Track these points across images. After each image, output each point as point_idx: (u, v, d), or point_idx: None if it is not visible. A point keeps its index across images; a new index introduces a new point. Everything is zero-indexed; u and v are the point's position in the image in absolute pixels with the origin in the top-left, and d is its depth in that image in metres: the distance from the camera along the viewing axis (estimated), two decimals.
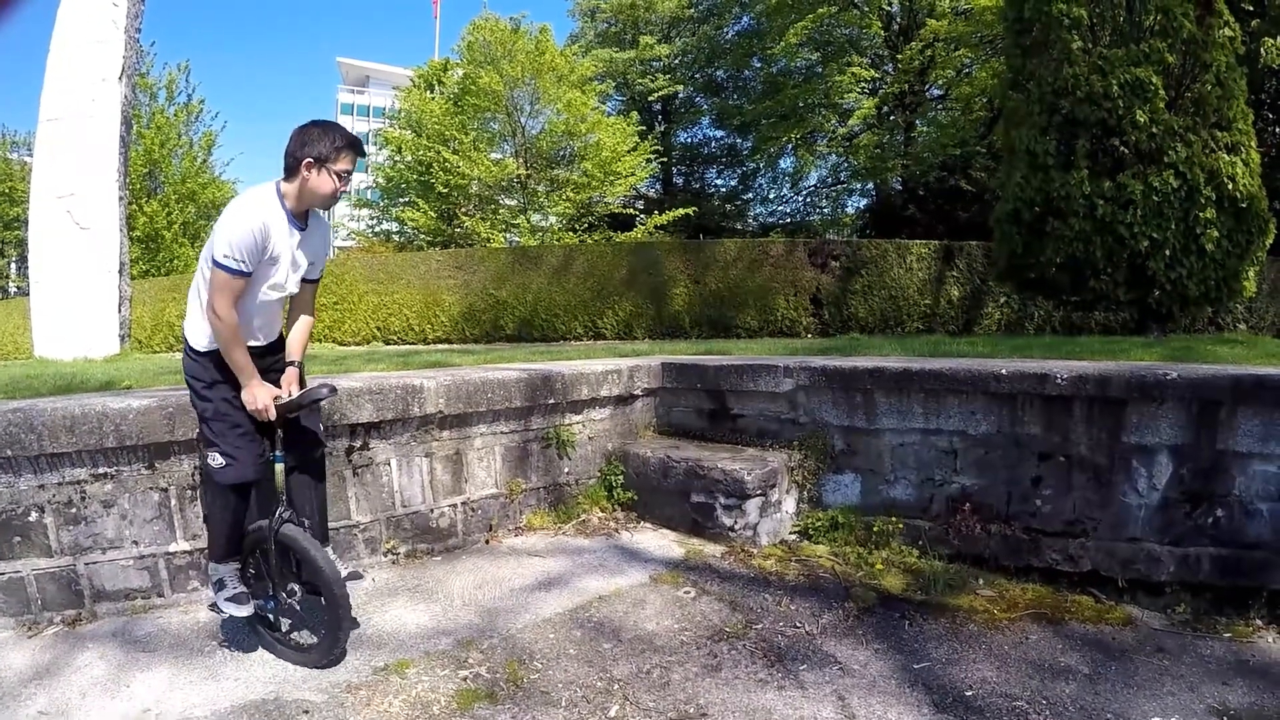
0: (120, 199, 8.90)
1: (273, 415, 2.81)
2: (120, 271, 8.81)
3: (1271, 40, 14.47)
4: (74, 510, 3.28)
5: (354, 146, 2.84)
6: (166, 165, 24.48)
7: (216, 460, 2.81)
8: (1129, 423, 3.90)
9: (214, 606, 3.02)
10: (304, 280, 3.02)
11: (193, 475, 3.47)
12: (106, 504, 3.33)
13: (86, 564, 3.31)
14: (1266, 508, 3.69)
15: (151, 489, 3.41)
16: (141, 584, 3.41)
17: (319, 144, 2.76)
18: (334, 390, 2.99)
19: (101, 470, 3.31)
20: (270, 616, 3.09)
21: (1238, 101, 8.35)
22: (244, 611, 2.92)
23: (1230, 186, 7.97)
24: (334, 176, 2.79)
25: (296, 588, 2.95)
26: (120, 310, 8.77)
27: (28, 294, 9.97)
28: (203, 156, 26.27)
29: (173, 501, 3.46)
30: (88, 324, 8.46)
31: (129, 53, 9.03)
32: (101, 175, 8.68)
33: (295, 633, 3.13)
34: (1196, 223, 7.96)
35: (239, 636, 3.13)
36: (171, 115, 25.04)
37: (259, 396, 2.78)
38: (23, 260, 27.00)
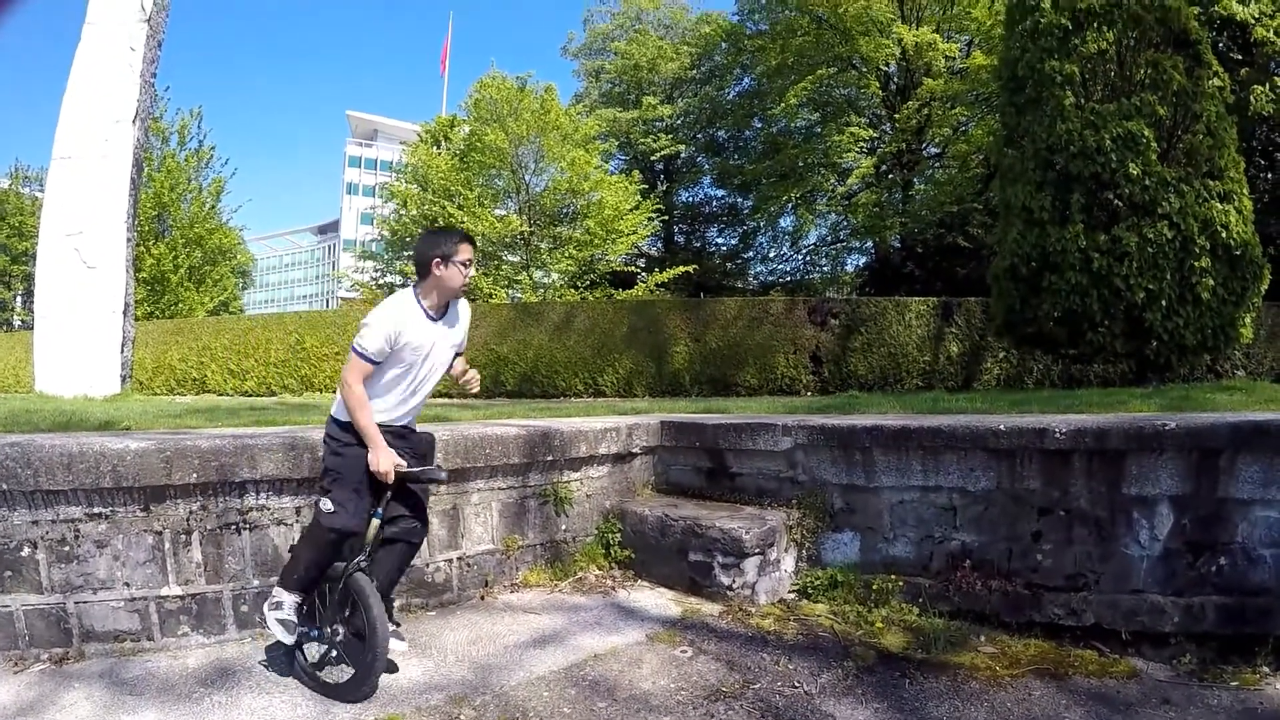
0: (128, 240, 9.00)
1: (391, 479, 3.17)
2: (125, 312, 8.85)
3: (1260, 88, 14.80)
4: (67, 548, 3.26)
5: (468, 240, 3.38)
6: (175, 209, 24.83)
7: (327, 505, 3.16)
8: (1129, 474, 3.89)
9: (263, 620, 3.32)
10: (455, 353, 3.52)
11: (187, 521, 3.47)
12: (100, 544, 3.31)
13: (77, 603, 3.28)
14: (1270, 554, 3.68)
15: (146, 531, 3.39)
16: (131, 626, 3.37)
17: (442, 245, 3.28)
18: (448, 478, 3.42)
19: (96, 510, 3.30)
20: (305, 645, 3.29)
21: (1229, 150, 8.50)
22: (288, 639, 3.20)
23: (1224, 235, 8.07)
24: (458, 267, 3.28)
25: (341, 629, 3.21)
26: (123, 350, 8.79)
27: (32, 328, 10.01)
28: (211, 202, 26.67)
29: (166, 545, 3.43)
30: (90, 362, 8.47)
31: (143, 96, 9.22)
32: (111, 216, 8.79)
33: (326, 668, 3.24)
34: (1192, 272, 8.04)
35: (228, 685, 3.08)
36: (182, 160, 25.50)
37: (383, 461, 3.15)
38: (29, 294, 27.20)
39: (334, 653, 3.21)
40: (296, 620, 3.22)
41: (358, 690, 3.07)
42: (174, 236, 24.73)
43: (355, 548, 3.24)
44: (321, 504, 3.18)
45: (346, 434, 3.24)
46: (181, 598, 3.46)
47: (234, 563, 3.59)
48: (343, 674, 3.16)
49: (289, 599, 3.23)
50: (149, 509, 3.39)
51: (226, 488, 3.55)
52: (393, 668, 3.31)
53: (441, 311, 3.36)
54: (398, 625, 3.40)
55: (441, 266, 3.25)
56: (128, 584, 3.36)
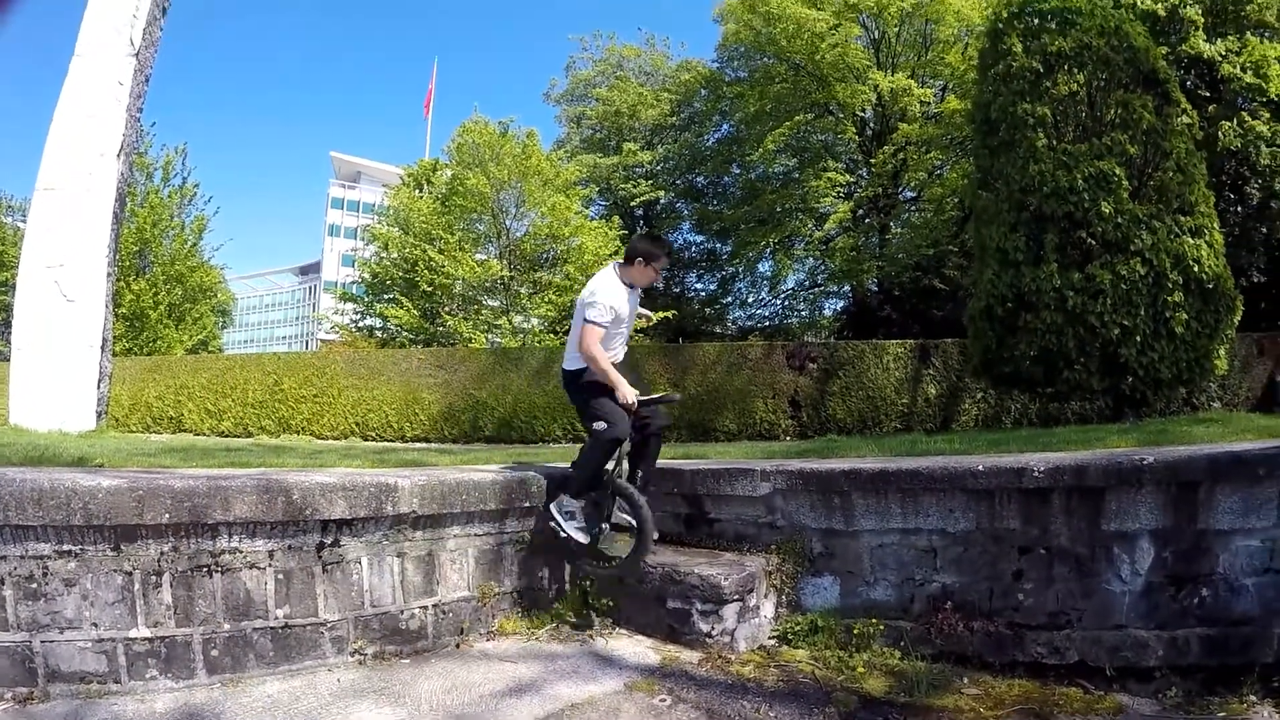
0: (109, 274, 8.94)
1: (635, 407, 4.35)
2: (103, 347, 8.76)
3: (1228, 123, 15.16)
4: (34, 585, 3.19)
5: (669, 254, 4.87)
6: (157, 245, 24.69)
7: (600, 425, 4.35)
8: (1108, 510, 3.90)
9: (562, 529, 4.52)
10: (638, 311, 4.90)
11: (158, 562, 3.40)
12: (68, 582, 3.23)
13: (43, 642, 3.20)
14: (1251, 582, 3.68)
15: (115, 571, 3.32)
16: (98, 668, 3.28)
17: (652, 250, 4.62)
18: (680, 398, 4.90)
19: (66, 547, 3.23)
20: (595, 538, 4.53)
21: (1199, 186, 8.68)
22: (584, 538, 4.47)
23: (1196, 269, 8.20)
24: (654, 270, 4.63)
25: (608, 525, 4.53)
26: (99, 386, 8.67)
27: (8, 360, 9.86)
28: (193, 240, 26.55)
29: (136, 586, 3.35)
30: (66, 396, 8.34)
31: (129, 131, 9.22)
32: (92, 249, 8.73)
33: (605, 548, 4.50)
34: (1165, 307, 8.15)
35: None
36: (165, 196, 25.41)
37: (628, 394, 4.32)
38: (6, 325, 26.82)
39: (616, 535, 4.47)
40: (587, 523, 4.46)
41: (638, 560, 4.38)
42: (155, 273, 24.54)
43: (618, 455, 4.47)
44: (596, 426, 4.36)
45: (580, 378, 4.50)
46: (150, 640, 3.37)
47: (205, 606, 3.51)
48: (622, 551, 4.44)
49: (577, 505, 4.49)
50: (119, 548, 3.32)
51: (199, 529, 3.48)
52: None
53: (631, 284, 4.65)
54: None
55: (643, 264, 4.55)
56: (95, 624, 3.28)
